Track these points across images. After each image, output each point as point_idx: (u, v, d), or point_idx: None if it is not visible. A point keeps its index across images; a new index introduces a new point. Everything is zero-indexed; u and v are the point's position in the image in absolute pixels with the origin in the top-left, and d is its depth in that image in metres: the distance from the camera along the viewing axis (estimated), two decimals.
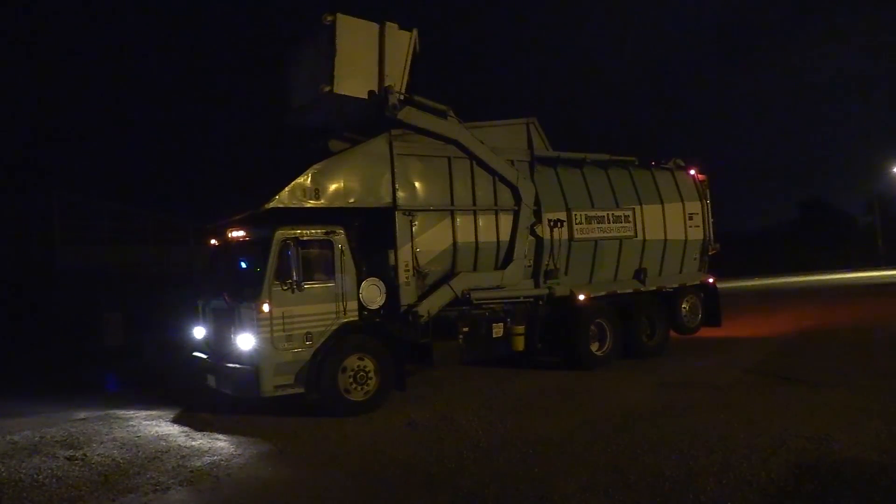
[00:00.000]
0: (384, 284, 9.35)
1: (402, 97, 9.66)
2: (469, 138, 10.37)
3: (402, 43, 9.93)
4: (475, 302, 10.40)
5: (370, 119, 9.82)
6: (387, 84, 9.56)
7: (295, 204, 8.93)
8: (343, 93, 9.39)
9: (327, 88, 9.25)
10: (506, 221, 10.85)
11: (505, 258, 10.73)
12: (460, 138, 10.26)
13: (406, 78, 9.96)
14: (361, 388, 8.94)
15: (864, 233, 59.08)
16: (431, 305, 9.82)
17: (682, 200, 13.43)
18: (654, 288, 12.78)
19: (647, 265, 12.66)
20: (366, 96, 9.60)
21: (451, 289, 10.06)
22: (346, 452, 7.30)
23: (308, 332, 8.69)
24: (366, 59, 9.62)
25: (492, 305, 10.74)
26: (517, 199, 10.81)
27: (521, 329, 10.90)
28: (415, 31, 10.00)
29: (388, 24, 9.71)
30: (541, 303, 11.23)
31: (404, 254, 9.72)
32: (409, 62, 10.00)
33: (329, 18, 9.26)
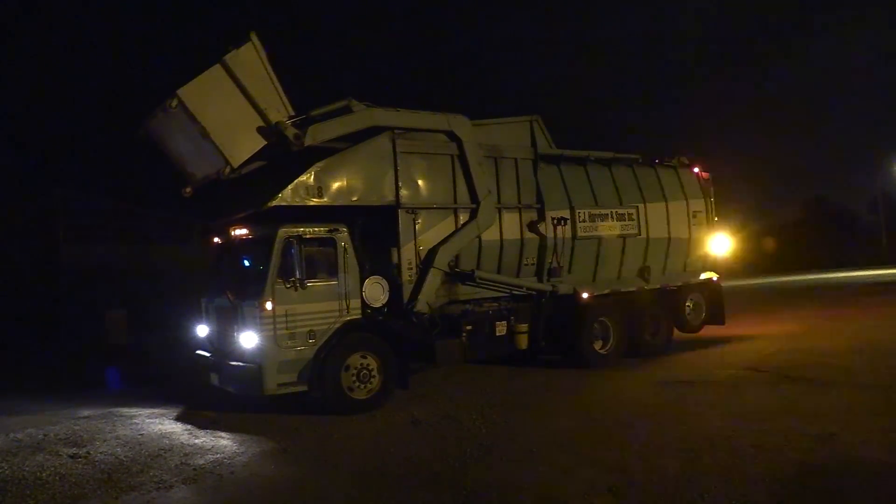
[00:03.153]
0: (387, 282, 9.34)
1: (295, 122, 8.76)
2: (384, 115, 9.60)
3: (251, 61, 8.71)
4: (479, 281, 10.37)
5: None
6: (274, 120, 8.64)
7: (298, 202, 8.91)
8: (244, 160, 8.71)
9: (228, 170, 8.63)
10: (510, 219, 10.85)
11: (472, 211, 10.41)
12: (377, 121, 9.53)
13: (281, 91, 8.90)
14: (364, 387, 8.93)
15: (868, 231, 58.89)
16: (428, 295, 9.74)
17: (686, 198, 13.38)
18: (658, 286, 12.74)
19: (650, 263, 12.63)
20: (265, 141, 8.78)
21: (438, 268, 9.86)
22: (350, 450, 7.29)
23: (311, 331, 8.68)
24: (234, 107, 8.57)
25: (495, 303, 10.72)
26: (458, 140, 10.33)
27: (524, 327, 10.86)
28: (252, 36, 8.75)
29: (226, 56, 8.53)
30: (544, 300, 11.20)
31: (407, 252, 9.71)
32: (270, 72, 8.85)
33: (173, 104, 8.28)
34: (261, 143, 8.77)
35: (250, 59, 8.70)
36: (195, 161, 9.01)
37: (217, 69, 8.52)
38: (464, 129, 10.36)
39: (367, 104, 9.46)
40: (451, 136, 10.30)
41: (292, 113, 8.92)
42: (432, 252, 9.84)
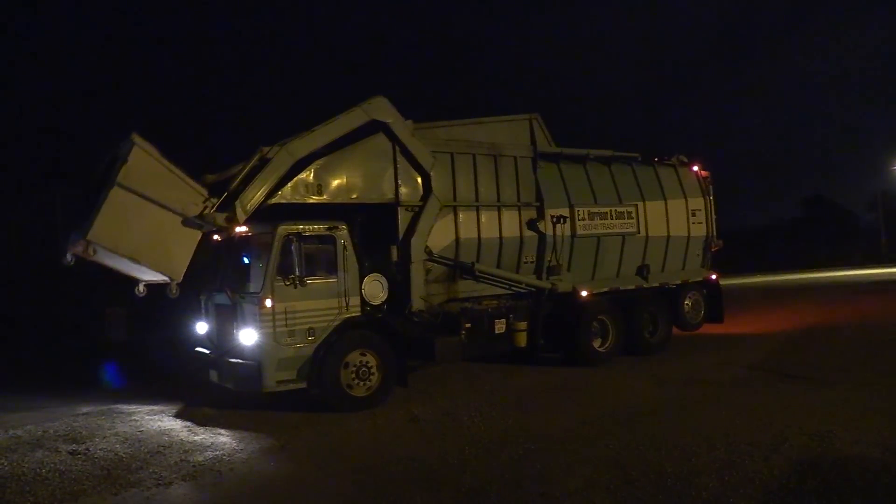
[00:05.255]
0: (386, 280, 9.35)
1: (219, 205, 8.32)
2: (301, 144, 8.86)
3: (144, 165, 7.91)
4: (478, 274, 10.37)
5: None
6: (195, 214, 8.17)
7: (297, 200, 8.94)
8: (186, 266, 8.30)
9: (175, 287, 8.32)
10: (509, 218, 10.86)
11: (424, 187, 10.04)
12: (296, 156, 8.78)
13: (186, 178, 8.26)
14: (363, 384, 8.95)
15: (866, 230, 58.93)
16: (419, 291, 9.70)
17: (685, 197, 13.39)
18: (657, 284, 12.76)
19: (649, 261, 12.64)
20: (199, 238, 8.34)
21: (416, 261, 9.68)
22: (348, 448, 7.31)
23: (310, 328, 8.70)
24: (151, 221, 7.94)
25: (494, 301, 10.74)
26: (383, 125, 9.61)
27: (523, 325, 10.88)
28: (135, 138, 7.94)
29: (118, 176, 7.78)
30: (543, 298, 11.22)
31: None
32: (168, 165, 8.11)
33: (90, 251, 7.77)
34: (195, 241, 8.31)
35: (143, 163, 7.95)
36: (138, 272, 8.55)
37: (115, 193, 7.78)
38: (383, 111, 9.55)
39: (281, 142, 8.80)
40: (376, 124, 9.55)
41: (205, 194, 8.34)
42: (406, 249, 9.68)
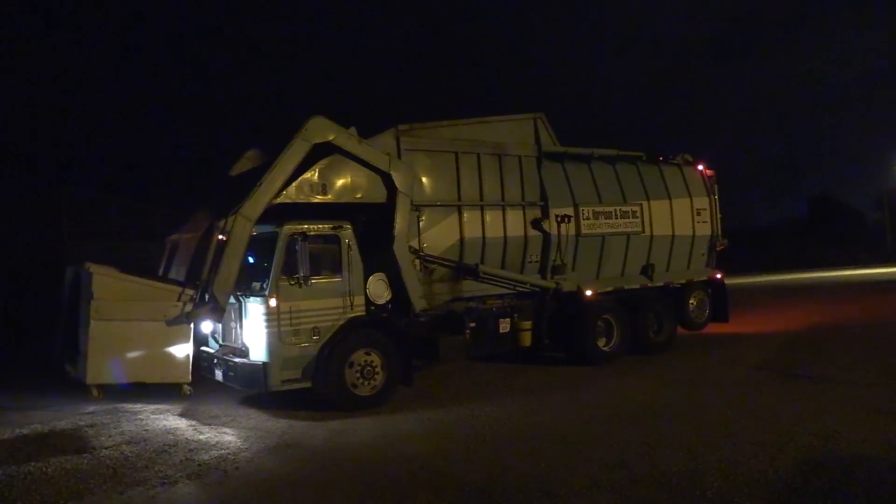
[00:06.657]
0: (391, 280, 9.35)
1: (196, 297, 8.61)
2: (253, 206, 8.57)
3: (110, 289, 8.37)
4: (482, 276, 10.33)
5: None
6: (173, 315, 8.42)
7: (302, 199, 8.95)
8: (190, 365, 8.80)
9: (189, 389, 8.96)
10: (513, 217, 10.85)
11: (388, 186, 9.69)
12: (252, 218, 8.58)
13: (155, 283, 8.69)
14: (368, 383, 8.95)
15: (873, 229, 58.65)
16: (416, 291, 9.59)
17: (690, 196, 13.37)
18: (662, 283, 12.74)
19: (654, 261, 12.63)
20: (191, 337, 8.75)
21: (403, 262, 9.45)
22: (353, 447, 7.32)
23: (315, 327, 8.72)
24: (141, 339, 8.42)
25: (499, 301, 10.74)
26: (328, 143, 9.17)
27: (527, 324, 10.90)
28: (89, 266, 8.48)
29: (90, 316, 8.29)
30: (547, 297, 11.21)
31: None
32: (134, 280, 8.59)
33: (95, 393, 8.51)
34: (189, 335, 8.74)
35: (108, 289, 8.35)
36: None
37: (94, 329, 8.28)
38: (322, 131, 9.04)
39: (234, 211, 8.48)
40: (321, 146, 9.09)
41: (179, 290, 8.64)
42: (392, 254, 9.40)
